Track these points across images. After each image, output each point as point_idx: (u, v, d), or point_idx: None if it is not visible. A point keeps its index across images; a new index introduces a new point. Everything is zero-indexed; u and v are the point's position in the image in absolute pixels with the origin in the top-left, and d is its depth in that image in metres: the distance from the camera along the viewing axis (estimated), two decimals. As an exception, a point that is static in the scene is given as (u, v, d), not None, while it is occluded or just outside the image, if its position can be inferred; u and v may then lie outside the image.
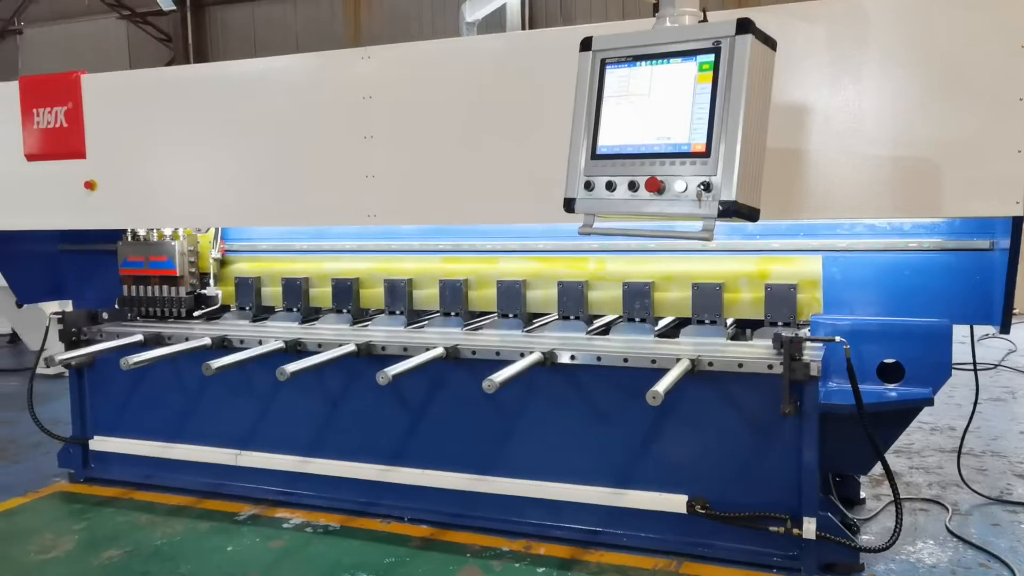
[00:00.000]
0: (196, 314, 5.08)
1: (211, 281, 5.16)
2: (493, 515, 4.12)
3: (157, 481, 4.84)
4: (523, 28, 15.20)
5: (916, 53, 3.19)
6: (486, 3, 4.52)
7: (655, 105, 2.59)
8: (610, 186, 2.66)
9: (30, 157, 4.81)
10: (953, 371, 3.79)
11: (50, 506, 4.66)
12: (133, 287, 5.14)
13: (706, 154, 2.49)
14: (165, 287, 5.07)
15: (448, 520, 4.20)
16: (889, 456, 5.12)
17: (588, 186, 2.72)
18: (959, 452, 4.62)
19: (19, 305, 5.66)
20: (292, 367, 3.77)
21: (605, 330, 4.33)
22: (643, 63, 2.62)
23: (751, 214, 2.56)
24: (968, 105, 3.14)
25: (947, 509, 4.32)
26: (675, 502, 3.80)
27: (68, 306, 5.81)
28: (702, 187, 2.47)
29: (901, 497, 4.41)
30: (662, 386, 3.18)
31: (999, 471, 4.93)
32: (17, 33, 20.51)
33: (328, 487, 4.45)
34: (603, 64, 2.71)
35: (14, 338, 9.97)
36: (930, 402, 3.72)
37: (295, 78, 4.23)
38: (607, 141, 2.69)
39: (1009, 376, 7.59)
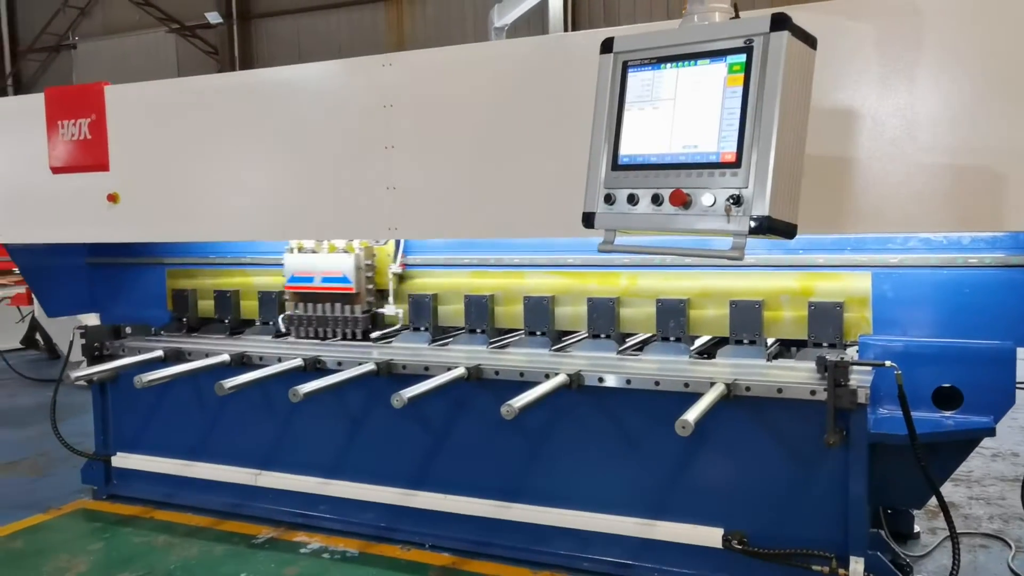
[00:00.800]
0: (373, 336, 4.62)
1: (390, 299, 4.58)
2: (518, 544, 3.92)
3: (178, 500, 4.73)
4: (565, 31, 15.03)
5: (975, 51, 2.91)
6: (516, 7, 4.35)
7: (681, 111, 2.36)
8: (632, 199, 2.44)
9: (55, 170, 4.75)
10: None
11: (70, 524, 4.58)
12: (300, 305, 4.65)
13: (736, 164, 2.25)
14: (338, 306, 4.58)
15: (470, 548, 4.00)
16: (946, 485, 4.80)
17: (608, 199, 2.50)
18: (1023, 483, 4.27)
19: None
20: (305, 388, 3.62)
21: (639, 349, 4.10)
22: (668, 65, 2.40)
23: (787, 231, 2.31)
24: (1036, 107, 2.85)
25: (1010, 546, 3.99)
26: (710, 535, 3.55)
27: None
28: (731, 201, 2.24)
29: (959, 532, 4.13)
30: (692, 415, 2.95)
31: (1068, 503, 4.56)
32: (71, 48, 20.97)
33: (348, 510, 4.29)
34: (625, 67, 2.49)
35: (51, 348, 10.09)
36: (991, 432, 3.42)
37: (317, 87, 4.09)
38: (629, 150, 2.47)
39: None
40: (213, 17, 18.05)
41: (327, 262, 4.56)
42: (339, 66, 4.08)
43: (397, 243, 4.56)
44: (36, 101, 4.81)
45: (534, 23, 16.01)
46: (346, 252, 4.55)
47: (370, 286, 4.59)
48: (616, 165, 2.49)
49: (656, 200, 2.38)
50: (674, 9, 15.12)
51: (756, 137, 2.22)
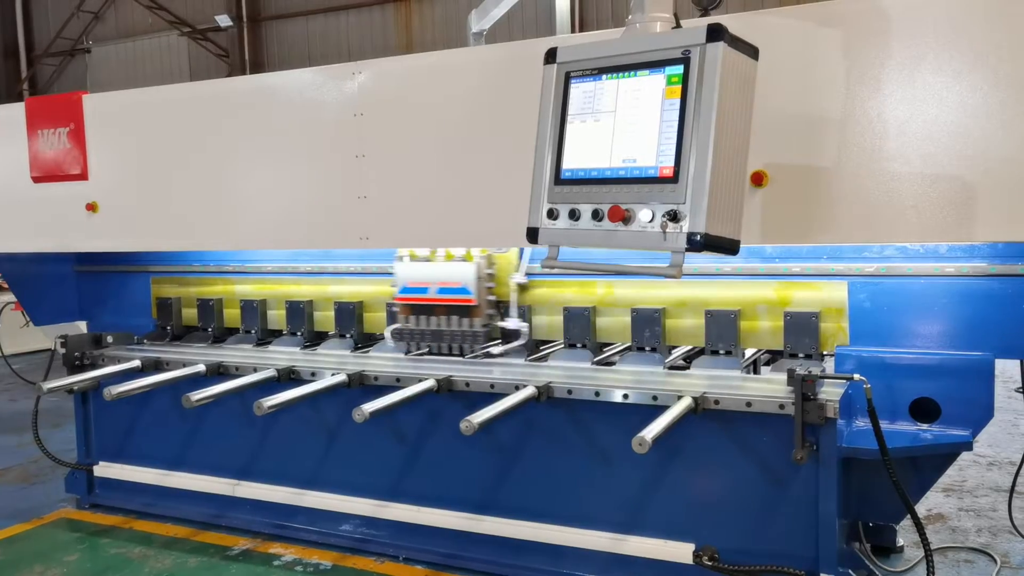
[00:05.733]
0: (495, 351, 4.21)
1: (512, 311, 4.19)
2: (490, 557, 3.87)
3: (158, 510, 4.72)
4: (572, 31, 14.94)
5: (944, 59, 2.82)
6: (493, 12, 4.28)
7: (621, 123, 2.30)
8: (574, 215, 2.38)
9: (36, 179, 4.76)
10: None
11: (49, 534, 4.57)
12: (411, 318, 4.29)
13: (674, 179, 2.18)
14: (455, 318, 4.23)
15: (443, 561, 3.95)
16: (937, 495, 4.71)
17: (552, 214, 2.44)
18: (1011, 493, 4.15)
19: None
20: (269, 401, 3.59)
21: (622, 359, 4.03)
22: (608, 76, 2.33)
23: (728, 247, 2.24)
24: (1007, 117, 2.75)
25: (995, 561, 3.88)
26: (680, 551, 3.48)
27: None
28: (668, 217, 2.17)
29: (945, 546, 4.05)
30: (651, 432, 2.88)
31: (1061, 516, 4.43)
32: (85, 52, 21.15)
33: (324, 521, 4.26)
34: (568, 78, 2.43)
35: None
36: (968, 446, 3.33)
37: (290, 95, 4.05)
38: (571, 164, 2.41)
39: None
40: (223, 20, 18.13)
41: (445, 272, 4.20)
42: (310, 74, 4.05)
43: (520, 250, 4.20)
44: (18, 110, 4.82)
45: (542, 26, 15.93)
46: (463, 260, 4.19)
47: (491, 298, 4.20)
48: (559, 179, 2.43)
49: (596, 216, 2.31)
50: (683, 13, 14.98)
51: (693, 151, 2.14)
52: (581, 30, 15.59)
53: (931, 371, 3.41)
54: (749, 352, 4.07)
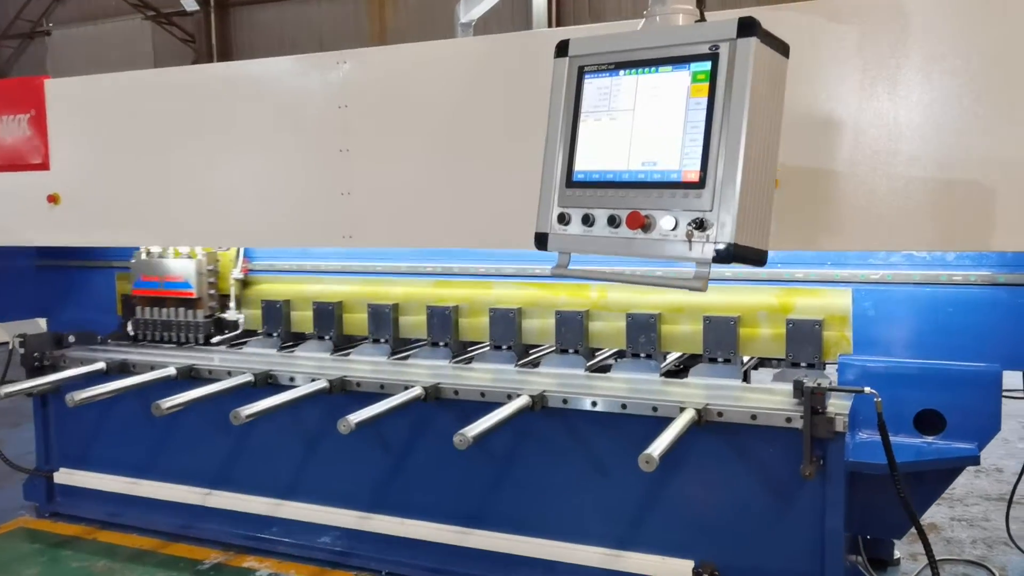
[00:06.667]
0: (215, 340, 4.65)
1: (232, 304, 4.67)
2: (479, 572, 3.70)
3: (124, 520, 4.49)
4: (549, 27, 14.76)
5: (962, 57, 2.70)
6: (482, 2, 4.11)
7: (640, 123, 2.14)
8: (587, 220, 2.21)
9: (-5, 168, 4.48)
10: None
11: (7, 545, 4.32)
12: (147, 309, 4.72)
13: (700, 184, 2.03)
14: (182, 310, 4.64)
15: (428, 576, 3.78)
16: (928, 504, 4.62)
17: (562, 219, 2.27)
18: (1009, 504, 4.08)
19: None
20: (247, 410, 3.39)
21: (608, 366, 3.88)
22: (626, 72, 2.17)
23: (757, 258, 2.09)
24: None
25: (993, 574, 3.80)
26: (679, 568, 3.35)
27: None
28: (694, 225, 2.01)
29: (942, 558, 3.97)
30: (658, 449, 2.74)
31: (1055, 526, 4.38)
32: (45, 34, 20.51)
33: (302, 533, 4.07)
34: (581, 72, 2.26)
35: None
36: (975, 460, 3.23)
37: (268, 85, 3.84)
38: (584, 166, 2.24)
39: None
40: (189, 4, 17.63)
41: (170, 267, 4.64)
42: (292, 63, 3.84)
43: (239, 249, 4.64)
44: (-21, 96, 4.54)
45: (518, 19, 15.72)
46: (189, 258, 4.60)
47: (212, 291, 4.66)
48: (571, 182, 2.27)
49: (613, 222, 2.15)
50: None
51: (721, 155, 1.99)
52: (558, 25, 15.42)
53: (936, 382, 3.30)
54: (745, 359, 3.94)
